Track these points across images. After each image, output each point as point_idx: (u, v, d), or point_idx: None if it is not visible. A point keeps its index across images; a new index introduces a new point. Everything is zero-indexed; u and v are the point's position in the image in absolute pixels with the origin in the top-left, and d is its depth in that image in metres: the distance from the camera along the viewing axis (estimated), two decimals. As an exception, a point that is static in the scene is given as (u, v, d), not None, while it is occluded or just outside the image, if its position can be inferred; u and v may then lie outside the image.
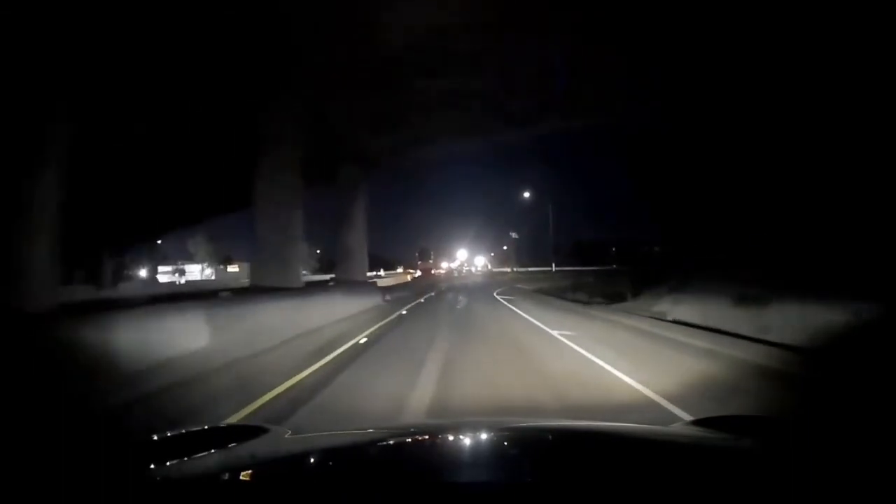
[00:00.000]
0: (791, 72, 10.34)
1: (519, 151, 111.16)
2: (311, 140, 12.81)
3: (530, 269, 54.73)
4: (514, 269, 54.37)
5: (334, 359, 6.32)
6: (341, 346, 7.36)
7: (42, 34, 6.17)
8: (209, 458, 1.30)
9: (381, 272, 50.54)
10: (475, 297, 19.82)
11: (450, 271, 55.23)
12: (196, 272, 66.89)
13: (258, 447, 1.42)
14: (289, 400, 4.29)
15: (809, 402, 4.03)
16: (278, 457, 1.39)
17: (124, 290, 33.57)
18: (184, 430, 1.58)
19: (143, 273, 54.62)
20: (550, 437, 1.58)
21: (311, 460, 1.34)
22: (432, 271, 50.55)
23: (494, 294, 21.27)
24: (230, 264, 66.91)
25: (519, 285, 30.43)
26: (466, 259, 67.27)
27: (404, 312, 13.27)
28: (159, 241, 45.49)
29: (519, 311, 12.68)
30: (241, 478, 1.15)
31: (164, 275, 62.48)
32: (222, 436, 1.58)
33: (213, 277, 62.70)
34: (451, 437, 1.55)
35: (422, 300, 18.38)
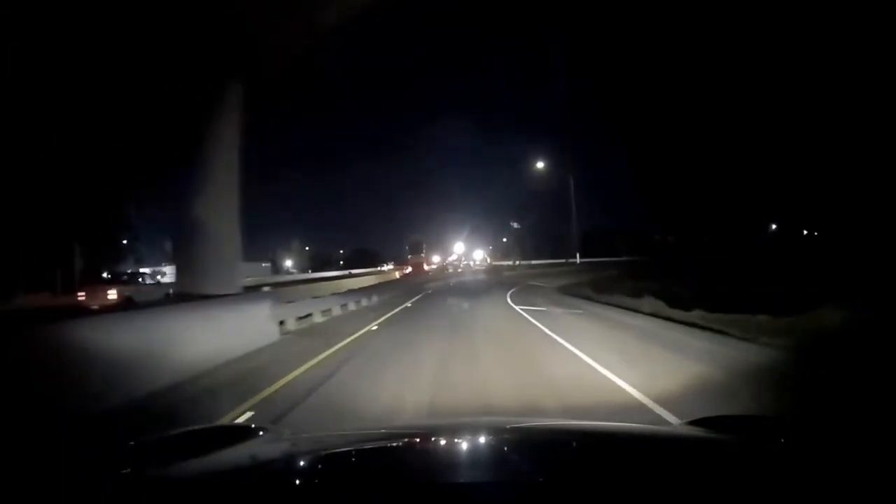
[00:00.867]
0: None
1: (519, 141, 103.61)
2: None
3: (534, 262, 47.73)
4: (518, 263, 47.76)
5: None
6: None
7: None
8: (207, 459, 1.28)
9: (354, 272, 41.99)
10: (481, 307, 12.80)
11: (443, 266, 47.08)
12: (173, 274, 63.07)
13: (256, 447, 1.44)
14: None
15: None
16: (276, 457, 1.40)
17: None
18: (183, 431, 1.63)
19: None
20: (550, 437, 1.59)
21: (310, 461, 1.34)
22: (424, 266, 43.19)
23: (509, 300, 14.17)
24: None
25: (534, 282, 23.39)
26: (464, 252, 59.28)
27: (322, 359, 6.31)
28: (125, 242, 42.77)
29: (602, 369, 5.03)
30: (239, 478, 1.16)
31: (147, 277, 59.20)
32: (221, 436, 1.57)
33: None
34: (449, 438, 1.54)
35: (392, 315, 11.56)
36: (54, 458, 1.40)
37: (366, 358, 6.30)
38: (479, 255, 61.87)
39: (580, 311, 10.92)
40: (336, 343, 7.46)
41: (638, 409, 3.70)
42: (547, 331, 7.85)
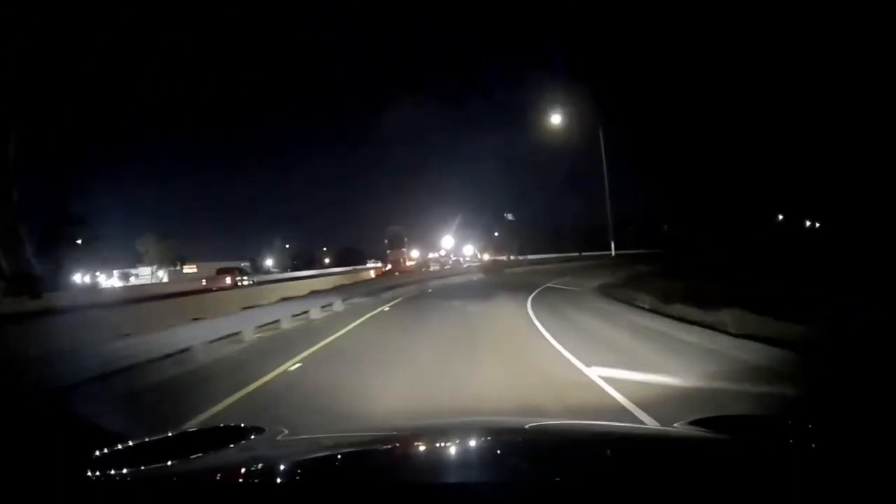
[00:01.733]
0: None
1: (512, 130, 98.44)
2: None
3: (531, 256, 43.24)
4: (513, 258, 43.35)
5: None
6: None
7: None
8: (206, 459, 1.30)
9: (327, 271, 39.52)
10: (493, 334, 8.05)
11: (424, 262, 39.24)
12: (147, 275, 60.65)
13: (254, 447, 1.45)
14: None
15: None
16: (274, 457, 1.39)
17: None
18: (183, 431, 1.75)
19: (83, 278, 48.45)
20: (550, 437, 1.58)
21: (308, 461, 1.33)
22: (406, 263, 36.51)
23: (538, 325, 8.56)
24: (186, 264, 60.94)
25: (552, 283, 18.76)
26: (453, 247, 52.85)
27: None
28: (79, 241, 40.55)
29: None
30: (237, 478, 1.15)
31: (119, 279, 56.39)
32: (220, 436, 1.56)
33: (165, 280, 57.11)
34: (447, 439, 1.52)
35: (339, 341, 6.89)
36: (55, 455, 1.45)
37: None
38: (470, 251, 55.71)
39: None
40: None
41: None
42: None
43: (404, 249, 37.71)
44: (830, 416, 3.16)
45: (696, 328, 7.54)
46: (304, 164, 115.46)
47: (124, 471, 1.15)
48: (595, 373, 5.12)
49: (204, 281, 29.25)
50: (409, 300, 15.87)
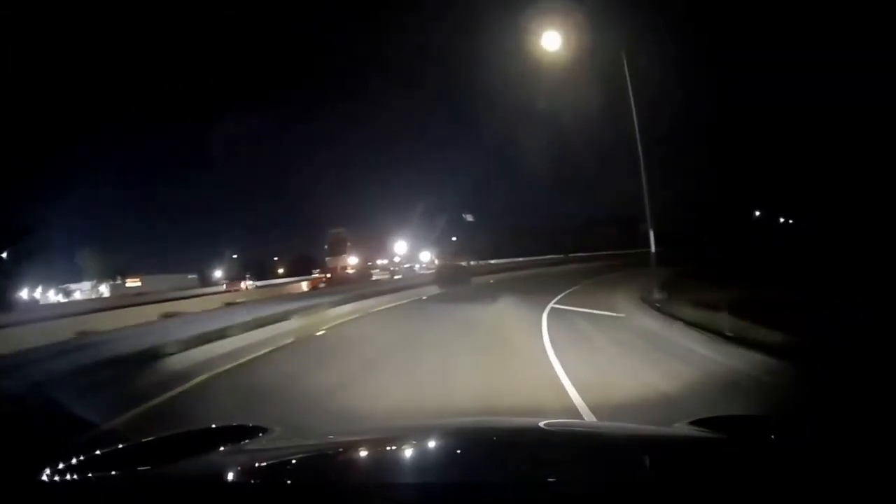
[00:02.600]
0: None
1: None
2: None
3: (493, 261, 36.53)
4: (473, 263, 35.60)
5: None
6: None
7: None
8: (206, 459, 1.31)
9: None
10: None
11: (365, 271, 31.51)
12: (86, 290, 56.52)
13: (256, 448, 1.46)
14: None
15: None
16: (274, 457, 1.38)
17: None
18: (184, 431, 1.71)
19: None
20: (550, 436, 1.57)
21: (309, 461, 1.33)
22: (348, 270, 30.38)
23: None
24: (129, 277, 57.11)
25: (568, 302, 10.28)
26: (407, 253, 47.24)
27: None
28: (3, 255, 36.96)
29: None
30: (237, 478, 1.16)
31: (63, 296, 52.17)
32: (221, 436, 1.57)
33: (106, 294, 53.35)
34: (447, 439, 1.51)
35: None
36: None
37: None
38: (427, 257, 51.28)
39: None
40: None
41: None
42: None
43: (345, 255, 31.41)
44: (832, 416, 3.03)
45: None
46: (259, 170, 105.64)
47: (123, 471, 1.16)
48: None
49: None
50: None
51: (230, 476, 1.17)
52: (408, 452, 1.40)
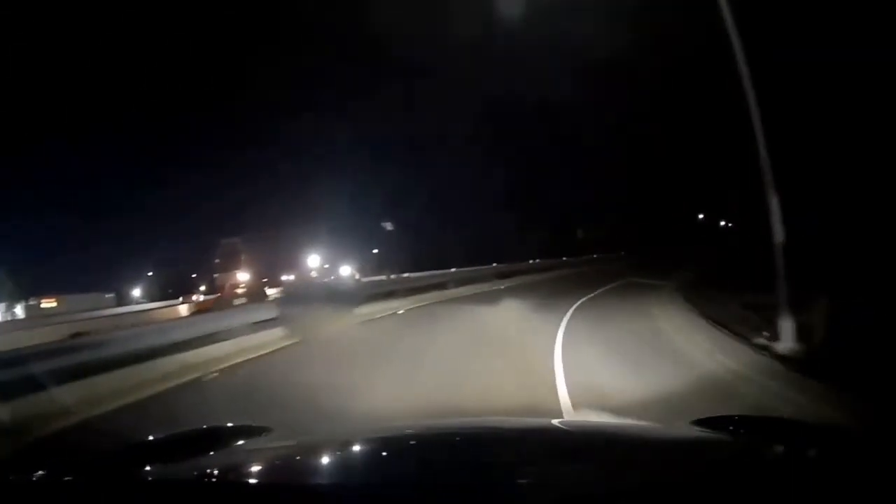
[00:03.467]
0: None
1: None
2: None
3: (417, 273, 26.35)
4: (394, 276, 28.94)
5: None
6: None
7: None
8: (207, 459, 1.31)
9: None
10: None
11: (257, 287, 26.11)
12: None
13: (256, 448, 1.47)
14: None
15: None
16: (276, 457, 1.39)
17: None
18: (184, 431, 1.67)
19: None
20: (551, 436, 1.57)
21: (311, 462, 1.35)
22: (238, 290, 24.89)
23: None
24: (45, 298, 54.04)
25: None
26: (321, 266, 41.59)
27: None
28: None
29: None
30: (239, 478, 1.16)
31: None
32: (222, 436, 1.57)
33: (21, 316, 50.44)
34: (448, 439, 1.53)
35: None
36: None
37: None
38: (347, 271, 46.34)
39: None
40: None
41: None
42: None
43: (237, 271, 26.50)
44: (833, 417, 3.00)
45: None
46: (178, 181, 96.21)
47: (122, 471, 1.16)
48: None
49: None
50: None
51: (231, 476, 1.16)
52: (409, 452, 1.40)
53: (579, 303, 11.56)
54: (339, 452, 1.44)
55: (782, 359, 4.72)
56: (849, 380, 3.75)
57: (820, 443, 1.24)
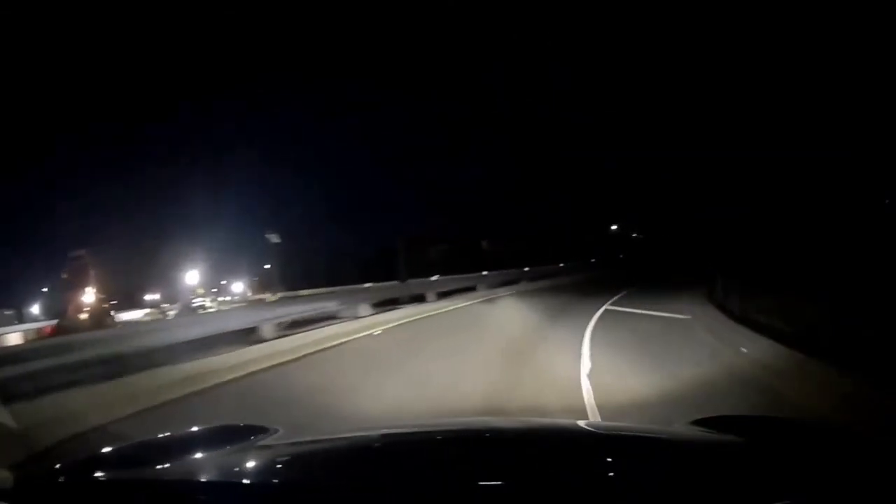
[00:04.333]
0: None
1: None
2: None
3: (307, 291, 25.64)
4: (282, 296, 27.88)
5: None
6: None
7: None
8: (207, 459, 1.31)
9: None
10: None
11: (100, 311, 21.64)
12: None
13: (257, 447, 1.43)
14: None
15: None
16: (279, 457, 1.38)
17: None
18: (185, 431, 1.72)
19: None
20: (551, 436, 1.56)
21: (312, 462, 1.33)
22: (81, 314, 20.75)
23: None
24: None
25: None
26: (202, 283, 35.43)
27: None
28: None
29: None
30: (240, 478, 1.16)
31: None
32: (224, 436, 1.57)
33: None
34: (450, 439, 1.52)
35: None
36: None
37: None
38: (239, 288, 42.81)
39: None
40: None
41: None
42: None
43: (83, 291, 21.47)
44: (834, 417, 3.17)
45: None
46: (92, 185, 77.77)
47: (122, 471, 1.16)
48: None
49: None
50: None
51: (232, 476, 1.16)
52: (408, 453, 1.37)
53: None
54: (341, 452, 1.44)
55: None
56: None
57: (819, 442, 1.25)
